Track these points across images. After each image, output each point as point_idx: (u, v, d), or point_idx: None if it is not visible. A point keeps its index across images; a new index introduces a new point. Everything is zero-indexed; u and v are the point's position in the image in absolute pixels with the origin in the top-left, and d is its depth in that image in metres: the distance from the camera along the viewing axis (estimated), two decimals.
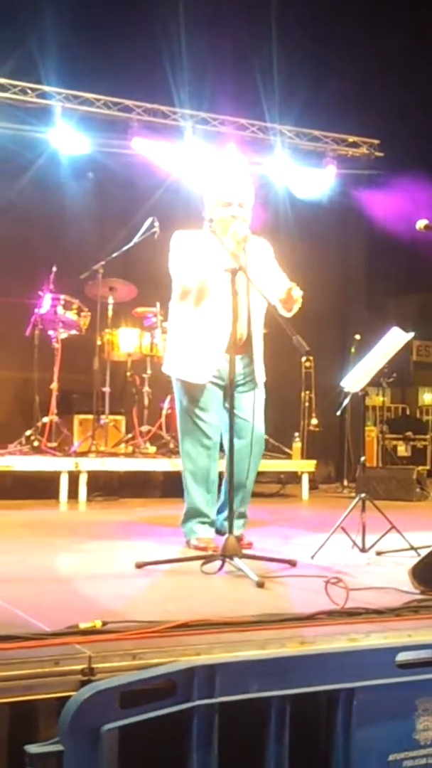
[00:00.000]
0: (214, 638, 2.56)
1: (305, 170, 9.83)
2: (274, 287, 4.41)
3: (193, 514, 4.46)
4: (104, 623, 2.59)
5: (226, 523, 4.00)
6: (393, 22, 9.19)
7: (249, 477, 4.51)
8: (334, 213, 10.06)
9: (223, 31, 8.98)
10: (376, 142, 10.16)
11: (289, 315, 4.38)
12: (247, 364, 4.51)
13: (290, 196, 9.78)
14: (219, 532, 4.40)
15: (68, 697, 2.22)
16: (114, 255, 7.41)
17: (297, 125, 9.76)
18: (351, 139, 10.10)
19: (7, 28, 8.17)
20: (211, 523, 4.47)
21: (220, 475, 4.55)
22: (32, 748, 2.17)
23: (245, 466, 4.40)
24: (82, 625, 2.56)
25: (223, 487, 4.55)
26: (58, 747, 2.16)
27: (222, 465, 4.57)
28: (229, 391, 3.94)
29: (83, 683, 2.27)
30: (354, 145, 10.14)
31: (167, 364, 4.61)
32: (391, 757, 2.53)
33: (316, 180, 9.85)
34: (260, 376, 4.55)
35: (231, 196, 4.42)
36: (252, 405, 4.40)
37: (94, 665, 2.31)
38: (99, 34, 8.62)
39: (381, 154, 10.16)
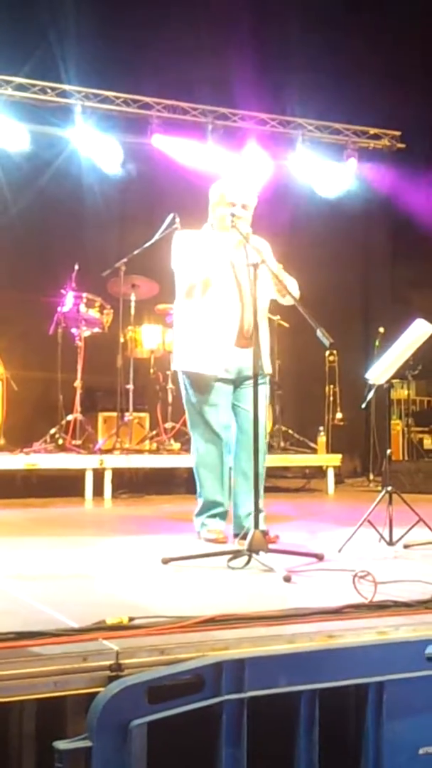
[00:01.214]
0: (242, 633, 2.54)
1: (326, 163, 9.78)
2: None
3: (209, 506, 4.53)
4: (131, 619, 2.58)
5: (247, 520, 4.08)
6: (413, 11, 9.09)
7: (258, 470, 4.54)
8: (356, 205, 10.00)
9: (241, 25, 8.93)
10: (398, 133, 10.08)
11: (283, 300, 4.46)
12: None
13: (312, 190, 9.73)
14: (242, 534, 4.38)
15: (96, 693, 2.22)
16: (135, 252, 7.42)
17: (317, 118, 9.70)
18: (372, 131, 10.03)
19: (26, 27, 8.20)
20: (223, 515, 4.54)
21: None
22: (61, 744, 2.17)
23: (248, 458, 4.42)
24: (110, 621, 2.55)
25: (238, 484, 4.57)
26: (87, 743, 2.15)
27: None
28: (253, 382, 3.95)
29: (111, 679, 2.26)
30: (375, 137, 10.07)
31: (176, 361, 4.69)
32: (421, 751, 2.50)
33: (337, 173, 9.80)
34: (267, 367, 4.59)
35: (235, 196, 4.54)
36: (257, 398, 4.46)
37: (121, 661, 2.31)
38: (117, 31, 8.61)
39: (403, 146, 10.08)
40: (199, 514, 4.58)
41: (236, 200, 4.51)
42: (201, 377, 4.49)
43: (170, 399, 7.72)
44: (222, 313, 4.37)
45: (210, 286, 4.43)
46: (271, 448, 7.16)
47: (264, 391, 4.60)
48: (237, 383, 4.55)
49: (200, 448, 4.55)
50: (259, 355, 4.48)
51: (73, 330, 7.61)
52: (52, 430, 7.42)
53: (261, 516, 4.48)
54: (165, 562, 3.74)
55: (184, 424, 7.76)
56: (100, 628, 2.51)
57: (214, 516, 4.53)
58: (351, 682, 2.45)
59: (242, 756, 2.29)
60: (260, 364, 4.53)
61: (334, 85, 9.12)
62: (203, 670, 2.28)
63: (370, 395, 5.04)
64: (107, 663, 2.30)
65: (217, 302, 4.41)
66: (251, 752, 2.31)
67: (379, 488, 6.16)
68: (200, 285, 4.46)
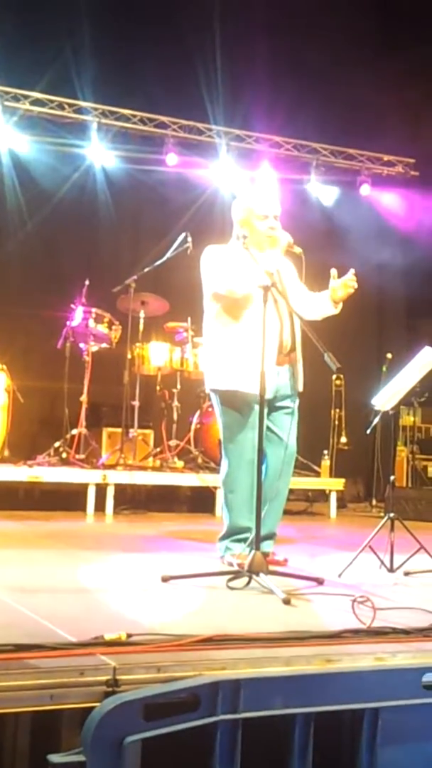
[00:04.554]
0: (239, 653, 2.54)
1: (340, 188, 9.83)
2: (304, 300, 4.56)
3: (235, 531, 4.40)
4: (129, 635, 2.58)
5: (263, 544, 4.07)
6: (426, 38, 9.15)
7: (281, 495, 4.53)
8: (370, 231, 10.02)
9: (258, 47, 9.01)
10: (412, 161, 10.13)
11: (335, 311, 4.54)
12: (291, 376, 4.52)
13: (325, 214, 9.77)
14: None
15: (92, 708, 2.22)
16: (146, 269, 7.45)
17: (332, 143, 9.76)
18: (386, 157, 10.08)
19: (44, 41, 8.26)
20: (249, 540, 4.39)
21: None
22: (55, 758, 2.17)
23: (276, 484, 4.43)
24: (108, 637, 2.55)
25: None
26: (81, 757, 2.15)
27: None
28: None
29: (107, 694, 2.26)
30: (389, 164, 10.12)
31: (212, 380, 4.47)
32: None
33: (351, 198, 9.84)
34: (300, 384, 4.56)
35: (267, 208, 4.45)
36: (289, 424, 4.48)
37: (118, 677, 2.31)
38: (135, 49, 8.69)
39: (416, 173, 10.12)
40: (224, 537, 4.45)
41: (268, 212, 4.43)
42: (241, 396, 4.30)
43: (175, 417, 7.73)
44: (260, 333, 4.05)
45: (250, 302, 4.27)
46: None
47: (296, 416, 4.56)
48: (272, 404, 4.41)
49: (233, 471, 4.38)
50: (298, 373, 4.52)
51: (81, 345, 7.64)
52: (57, 444, 7.42)
53: (272, 540, 4.50)
54: (165, 580, 3.74)
55: (188, 442, 7.84)
56: (98, 643, 2.52)
57: (239, 540, 4.39)
58: (347, 707, 2.44)
59: None
60: (296, 383, 4.54)
61: (349, 111, 9.18)
62: (199, 689, 2.28)
63: (376, 421, 5.05)
64: (104, 678, 2.30)
65: (254, 321, 4.15)
66: None
67: (382, 514, 6.15)
68: (240, 301, 4.31)
